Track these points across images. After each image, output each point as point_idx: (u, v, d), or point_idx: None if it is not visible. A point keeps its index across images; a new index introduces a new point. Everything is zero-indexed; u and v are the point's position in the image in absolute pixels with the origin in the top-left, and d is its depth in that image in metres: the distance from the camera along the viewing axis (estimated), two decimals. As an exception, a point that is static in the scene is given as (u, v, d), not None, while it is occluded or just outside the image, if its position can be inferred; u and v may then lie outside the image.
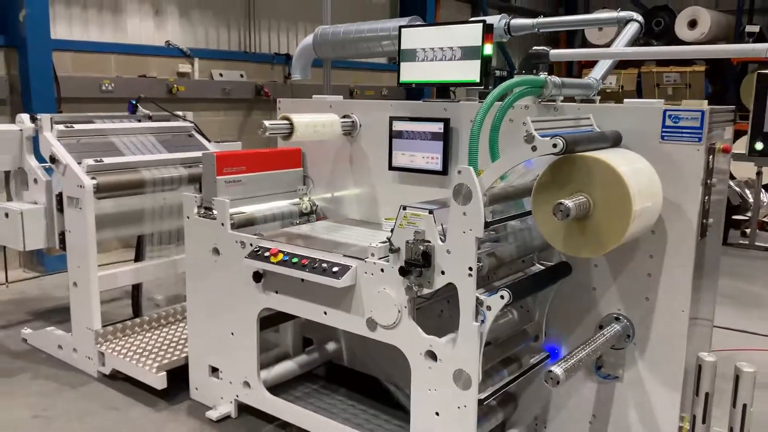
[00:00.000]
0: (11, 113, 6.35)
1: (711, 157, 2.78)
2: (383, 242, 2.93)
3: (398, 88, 10.49)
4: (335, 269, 2.97)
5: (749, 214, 8.32)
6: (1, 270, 5.85)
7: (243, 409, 3.68)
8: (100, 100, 6.88)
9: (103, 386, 4.05)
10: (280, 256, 3.17)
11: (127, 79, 7.19)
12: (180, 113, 5.02)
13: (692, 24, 11.97)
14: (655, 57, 4.84)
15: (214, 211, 3.54)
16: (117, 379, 4.11)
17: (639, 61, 12.56)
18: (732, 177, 10.62)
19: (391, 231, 2.84)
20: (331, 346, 4.08)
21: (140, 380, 3.89)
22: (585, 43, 13.15)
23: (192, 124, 5.00)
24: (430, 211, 2.71)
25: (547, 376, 2.52)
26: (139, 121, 4.78)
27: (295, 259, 3.11)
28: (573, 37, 14.07)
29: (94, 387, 4.05)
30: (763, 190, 9.55)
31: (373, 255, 2.93)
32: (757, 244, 8.04)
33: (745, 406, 2.76)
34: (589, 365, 3.08)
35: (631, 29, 3.76)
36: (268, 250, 3.23)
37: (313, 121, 3.53)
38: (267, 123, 3.33)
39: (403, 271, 2.76)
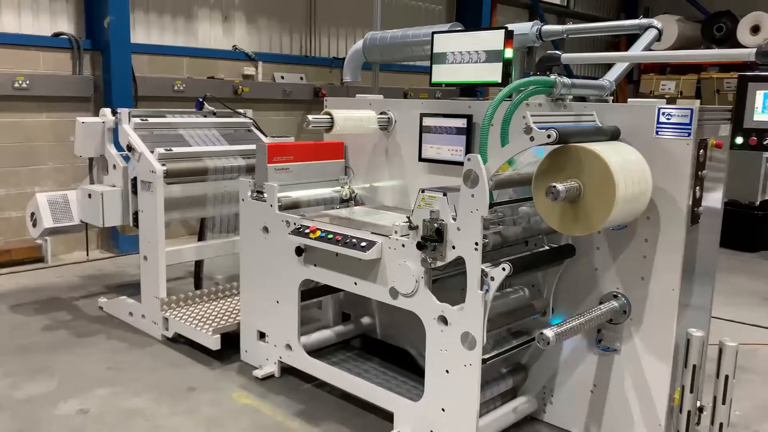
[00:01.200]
0: (94, 109, 7.09)
1: (701, 151, 3.07)
2: (405, 222, 3.34)
3: (451, 90, 10.90)
4: (363, 244, 3.40)
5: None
6: (82, 248, 6.59)
7: (285, 370, 4.15)
8: (172, 99, 7.53)
9: (165, 347, 4.61)
10: (318, 233, 3.63)
11: (197, 80, 7.84)
12: (241, 110, 5.57)
13: (755, 29, 11.84)
14: (640, 61, 4.97)
15: (265, 194, 4.03)
16: (178, 342, 4.66)
17: (699, 66, 12.52)
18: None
19: (412, 211, 3.25)
20: (366, 320, 4.52)
21: (198, 342, 4.42)
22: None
23: (251, 120, 5.54)
24: (444, 194, 3.11)
25: (539, 337, 2.88)
26: (205, 116, 5.34)
27: (330, 235, 3.56)
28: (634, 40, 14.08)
29: (158, 348, 4.61)
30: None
31: (396, 232, 3.35)
32: (805, 250, 8.03)
33: (727, 377, 3.04)
34: (590, 338, 3.42)
35: (649, 35, 4.06)
36: (308, 227, 3.69)
37: (352, 116, 3.98)
38: (311, 117, 3.81)
39: (420, 246, 3.17)
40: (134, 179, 4.74)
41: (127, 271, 6.53)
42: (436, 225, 3.10)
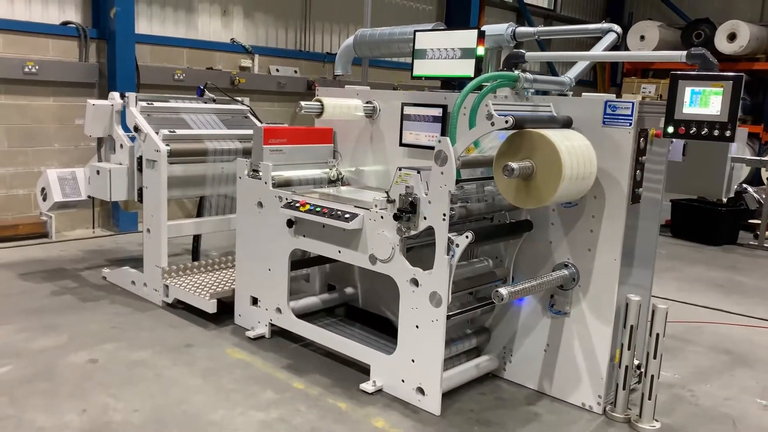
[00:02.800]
0: (99, 95, 7.49)
1: (641, 139, 3.55)
2: (384, 197, 3.80)
3: (435, 84, 11.36)
4: (347, 216, 3.86)
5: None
6: (84, 226, 7.00)
7: (275, 332, 4.60)
8: (172, 88, 7.95)
9: (165, 312, 5.04)
10: (307, 207, 4.08)
11: (196, 71, 8.27)
12: (238, 98, 6.00)
13: (731, 37, 12.38)
14: (595, 60, 5.33)
15: (260, 173, 4.48)
16: (177, 308, 5.10)
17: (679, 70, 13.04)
18: (760, 184, 11.08)
19: (390, 187, 3.71)
20: (349, 290, 4.97)
21: (196, 306, 4.86)
22: (625, 48, 13.57)
23: (248, 108, 5.97)
24: (418, 171, 3.56)
25: (494, 294, 3.35)
26: (205, 103, 5.77)
27: (317, 209, 4.01)
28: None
29: (159, 312, 5.04)
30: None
31: (375, 206, 3.80)
32: (765, 245, 8.54)
33: (658, 335, 3.51)
34: (544, 302, 3.88)
35: (609, 38, 4.53)
36: (299, 202, 4.14)
37: (339, 104, 4.43)
38: (303, 103, 4.26)
39: (396, 217, 3.62)
40: (140, 158, 5.16)
41: (126, 248, 6.95)
42: (410, 199, 3.56)
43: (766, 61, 12.38)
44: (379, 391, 3.87)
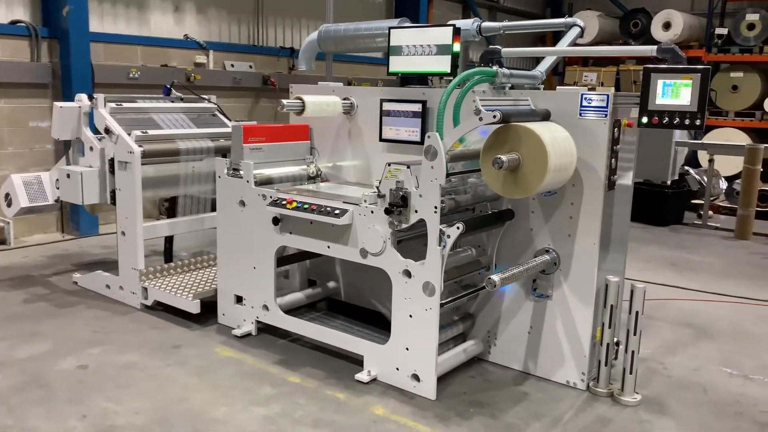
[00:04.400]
0: (52, 96, 7.32)
1: (616, 129, 3.76)
2: (373, 192, 3.91)
3: (392, 80, 11.49)
4: (337, 211, 3.95)
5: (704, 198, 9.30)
6: (42, 231, 6.84)
7: (261, 329, 4.65)
8: (127, 86, 7.81)
9: (145, 314, 5.02)
10: (294, 204, 4.14)
11: (150, 68, 8.14)
12: (205, 96, 5.98)
13: (666, 26, 12.93)
14: (566, 55, 5.61)
15: (241, 172, 4.50)
16: (156, 310, 5.08)
17: (618, 59, 13.57)
18: (697, 165, 11.67)
19: (379, 182, 3.81)
20: (331, 284, 5.06)
21: (178, 307, 4.86)
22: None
23: (215, 106, 5.96)
24: (408, 166, 3.68)
25: (487, 281, 3.51)
26: (172, 102, 5.73)
27: (306, 205, 4.08)
28: (559, 35, 15.02)
29: (139, 315, 5.02)
30: (722, 178, 10.59)
31: (365, 201, 3.90)
32: (709, 224, 9.04)
33: (637, 313, 3.74)
34: (527, 287, 4.08)
35: (573, 33, 4.75)
36: (285, 199, 4.20)
37: (320, 101, 4.50)
38: (285, 101, 4.31)
39: (388, 211, 3.73)
40: (111, 160, 5.10)
41: (90, 251, 6.83)
42: (401, 193, 3.67)
43: (699, 48, 12.97)
44: (374, 380, 3.99)
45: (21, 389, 3.77)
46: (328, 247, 4.13)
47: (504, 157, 3.40)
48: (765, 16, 12.22)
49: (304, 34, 10.44)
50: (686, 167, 10.16)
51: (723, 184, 10.50)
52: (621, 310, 3.91)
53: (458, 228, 3.58)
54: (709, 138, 11.71)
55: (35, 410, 3.54)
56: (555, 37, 15.28)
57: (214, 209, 5.65)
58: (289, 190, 4.44)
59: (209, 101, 5.96)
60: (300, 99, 4.40)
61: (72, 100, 6.91)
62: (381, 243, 3.83)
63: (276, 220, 4.31)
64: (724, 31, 12.67)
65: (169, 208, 5.74)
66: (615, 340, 3.98)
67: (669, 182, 7.89)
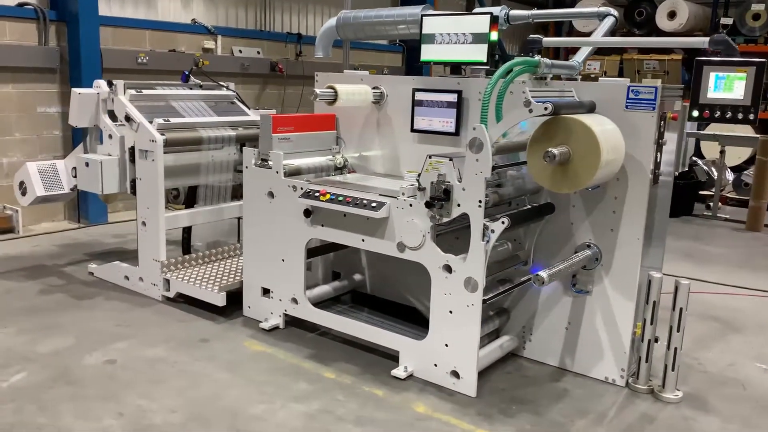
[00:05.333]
0: (60, 81, 7.15)
1: (662, 122, 3.68)
2: (411, 185, 3.81)
3: (398, 67, 11.38)
4: (373, 204, 3.85)
5: (714, 189, 9.28)
6: (49, 219, 6.70)
7: (288, 322, 4.56)
8: (136, 71, 7.65)
9: (168, 306, 4.91)
10: (328, 196, 4.04)
11: (159, 53, 7.97)
12: (224, 84, 5.84)
13: (671, 15, 12.84)
14: (622, 45, 5.52)
15: (270, 162, 4.39)
16: (178, 302, 4.97)
17: (622, 48, 13.48)
18: (702, 156, 11.63)
19: (419, 174, 3.72)
20: (357, 276, 4.97)
21: (203, 300, 4.75)
22: (572, 30, 14.00)
23: (234, 93, 5.82)
24: (450, 158, 3.59)
25: (535, 278, 3.44)
26: (191, 88, 5.59)
27: (340, 198, 3.98)
28: (561, 25, 14.92)
29: (161, 307, 4.91)
30: (728, 169, 10.57)
31: (403, 194, 3.81)
32: (718, 215, 9.02)
33: (681, 309, 3.69)
34: (566, 282, 4.01)
35: (608, 22, 4.65)
36: (318, 191, 4.10)
37: (352, 90, 4.38)
38: (318, 90, 4.20)
39: (429, 204, 3.64)
40: (132, 148, 4.97)
41: (102, 240, 6.70)
42: (444, 186, 3.58)
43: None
44: (410, 376, 3.92)
45: (50, 386, 3.67)
46: (363, 240, 4.03)
47: (556, 151, 3.31)
48: (771, 6, 12.18)
49: (310, 20, 10.28)
50: (694, 158, 10.13)
51: (730, 176, 10.49)
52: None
53: (503, 223, 3.50)
54: (711, 129, 11.70)
55: (67, 408, 3.44)
56: (556, 26, 15.20)
57: (233, 198, 5.57)
58: (320, 181, 4.34)
59: (227, 88, 5.82)
60: (332, 88, 4.28)
61: (80, 85, 6.83)
62: (420, 237, 3.74)
63: (307, 212, 4.21)
64: (729, 20, 12.59)
65: (187, 198, 5.61)
66: (654, 336, 3.93)
67: (677, 173, 7.89)
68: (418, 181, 3.70)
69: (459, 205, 3.58)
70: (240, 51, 9.05)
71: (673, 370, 3.76)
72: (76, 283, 5.37)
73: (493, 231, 3.53)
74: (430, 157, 3.66)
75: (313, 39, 10.01)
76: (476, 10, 4.56)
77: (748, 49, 12.38)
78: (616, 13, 4.69)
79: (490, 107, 3.57)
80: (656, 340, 3.98)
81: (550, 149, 3.32)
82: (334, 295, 4.79)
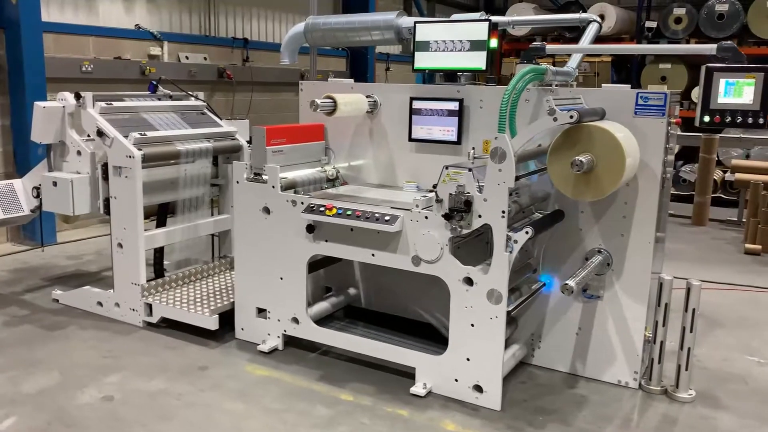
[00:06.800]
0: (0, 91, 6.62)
1: (669, 127, 3.75)
2: (424, 196, 3.73)
3: (342, 72, 11.26)
4: (387, 218, 3.73)
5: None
6: (5, 239, 6.18)
7: (287, 342, 4.37)
8: (80, 80, 7.19)
9: (151, 332, 4.60)
10: (335, 210, 3.88)
11: (104, 61, 7.53)
12: (193, 93, 5.55)
13: (601, 18, 13.29)
14: (641, 53, 5.61)
15: (264, 176, 4.19)
16: (160, 327, 4.67)
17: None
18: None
19: (434, 186, 3.63)
20: (351, 291, 4.82)
21: (192, 324, 4.47)
22: (502, 32, 14.15)
23: (204, 103, 5.54)
24: (470, 169, 3.52)
25: (563, 287, 3.41)
26: (159, 99, 5.28)
27: (349, 212, 3.83)
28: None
29: (144, 333, 4.59)
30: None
31: (417, 206, 3.71)
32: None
33: (694, 309, 3.76)
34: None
35: (593, 28, 4.72)
36: (323, 206, 3.93)
37: (350, 100, 4.25)
38: (318, 101, 4.03)
39: (448, 217, 3.56)
40: (104, 165, 4.63)
41: (56, 263, 6.24)
42: (464, 197, 3.50)
43: (631, 40, 13.45)
44: (429, 393, 3.82)
45: (46, 431, 3.34)
46: (373, 255, 3.90)
47: (583, 159, 3.30)
48: (690, 11, 12.80)
49: (255, 25, 10.00)
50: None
51: (667, 172, 10.94)
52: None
53: (527, 233, 3.46)
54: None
55: (76, 454, 3.15)
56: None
57: (209, 214, 5.31)
58: (321, 194, 4.18)
59: (197, 98, 5.54)
60: (331, 98, 4.13)
61: (23, 96, 6.37)
62: (438, 250, 3.66)
63: (310, 228, 4.04)
64: (653, 24, 13.16)
65: (159, 216, 5.29)
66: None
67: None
68: (435, 192, 3.61)
69: (480, 216, 3.51)
70: (187, 57, 8.68)
71: (686, 370, 3.84)
72: (41, 312, 4.96)
73: (516, 241, 3.49)
74: (447, 167, 3.58)
75: (261, 44, 9.89)
76: (465, 16, 4.50)
77: (752, 52, 12.66)
78: (598, 19, 4.77)
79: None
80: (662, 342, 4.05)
81: (577, 158, 3.30)
82: (332, 311, 4.63)
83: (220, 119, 5.52)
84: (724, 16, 11.83)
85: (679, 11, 12.93)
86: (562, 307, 4.11)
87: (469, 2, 15.66)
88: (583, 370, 4.11)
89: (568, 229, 4.01)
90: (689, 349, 3.81)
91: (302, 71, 10.29)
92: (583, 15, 4.83)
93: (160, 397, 3.71)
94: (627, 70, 13.99)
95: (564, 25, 4.91)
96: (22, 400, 3.63)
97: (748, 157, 9.68)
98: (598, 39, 4.55)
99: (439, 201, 3.61)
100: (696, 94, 12.39)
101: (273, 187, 4.16)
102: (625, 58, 13.49)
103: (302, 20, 5.78)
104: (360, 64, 11.37)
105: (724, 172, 10.17)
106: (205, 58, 8.93)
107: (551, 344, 4.18)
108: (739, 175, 8.59)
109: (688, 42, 13.13)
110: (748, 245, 7.39)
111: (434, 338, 4.26)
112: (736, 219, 8.77)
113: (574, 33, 13.72)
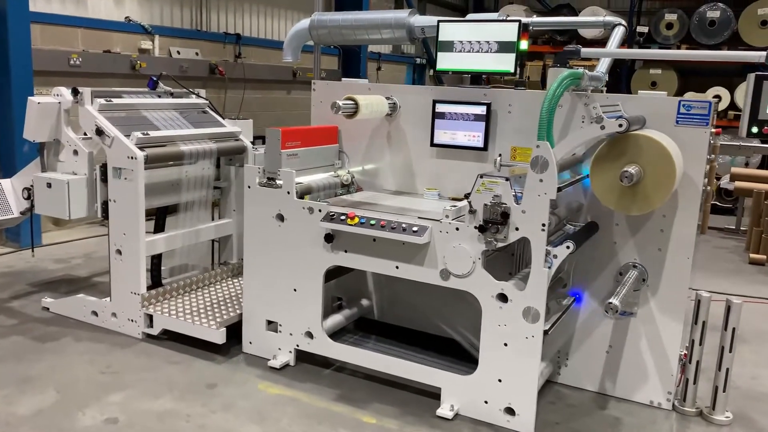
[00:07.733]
0: (-18, 85, 6.24)
1: (711, 138, 3.57)
2: (453, 206, 3.51)
3: (333, 69, 10.99)
4: (415, 228, 3.49)
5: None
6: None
7: (299, 358, 4.11)
8: (68, 74, 6.85)
9: (151, 345, 4.31)
10: (357, 219, 3.64)
11: (92, 54, 7.19)
12: (194, 91, 5.26)
13: (592, 23, 13.23)
14: (661, 58, 5.46)
15: (278, 181, 3.93)
16: (161, 339, 4.38)
17: (542, 54, 13.75)
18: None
19: (466, 195, 3.41)
20: (364, 302, 4.58)
21: (197, 337, 4.19)
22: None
23: (206, 101, 5.25)
24: (507, 179, 3.30)
25: (607, 307, 3.22)
26: (159, 96, 4.98)
27: (373, 221, 3.59)
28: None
29: (144, 346, 4.30)
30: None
31: (447, 216, 3.48)
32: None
33: (734, 329, 3.59)
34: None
35: (619, 32, 4.54)
36: (345, 214, 3.68)
37: (371, 102, 4.01)
38: (340, 102, 3.79)
39: (482, 229, 3.34)
40: (103, 166, 4.33)
41: (43, 267, 5.90)
42: (500, 208, 3.29)
43: (621, 45, 13.40)
44: (456, 415, 3.60)
45: (48, 458, 3.06)
46: (397, 267, 3.66)
47: (633, 170, 3.11)
48: (682, 16, 12.77)
49: (247, 20, 9.69)
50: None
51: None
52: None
53: (568, 247, 3.26)
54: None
55: (82, 486, 2.87)
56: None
57: (210, 218, 5.05)
58: (338, 201, 3.94)
59: (198, 95, 5.25)
60: (353, 100, 3.88)
61: (9, 90, 6.02)
62: (470, 264, 3.43)
63: (329, 237, 3.79)
64: (644, 29, 13.11)
65: (157, 221, 5.00)
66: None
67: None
68: (469, 203, 3.39)
69: (517, 228, 3.30)
70: (178, 52, 8.35)
71: (724, 391, 3.67)
72: (31, 321, 4.64)
73: (555, 256, 3.28)
74: (481, 176, 3.36)
75: (253, 40, 9.58)
76: (489, 16, 4.31)
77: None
78: (624, 22, 4.60)
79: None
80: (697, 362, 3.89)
81: (627, 169, 3.11)
82: (346, 324, 4.39)
83: (223, 118, 5.24)
84: (715, 23, 11.81)
85: (670, 17, 12.90)
86: (592, 324, 3.92)
87: (459, 3, 15.50)
88: (613, 390, 3.92)
89: (601, 242, 3.82)
90: (728, 369, 3.65)
91: (294, 69, 10.02)
92: (608, 18, 4.65)
93: (168, 419, 3.43)
94: (617, 75, 13.94)
95: (587, 27, 4.71)
96: (18, 423, 3.33)
97: (747, 164, 9.63)
98: (597, 43, 4.36)
99: (472, 212, 3.39)
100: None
101: (288, 192, 3.91)
102: (615, 62, 13.43)
103: (296, 16, 5.54)
104: (353, 63, 11.10)
105: (717, 179, 10.13)
106: (197, 53, 8.62)
107: (579, 362, 3.99)
108: (739, 183, 8.51)
109: (678, 48, 13.14)
110: (752, 255, 7.30)
111: (454, 354, 4.06)
112: (734, 227, 8.71)
113: (564, 36, 13.70)
